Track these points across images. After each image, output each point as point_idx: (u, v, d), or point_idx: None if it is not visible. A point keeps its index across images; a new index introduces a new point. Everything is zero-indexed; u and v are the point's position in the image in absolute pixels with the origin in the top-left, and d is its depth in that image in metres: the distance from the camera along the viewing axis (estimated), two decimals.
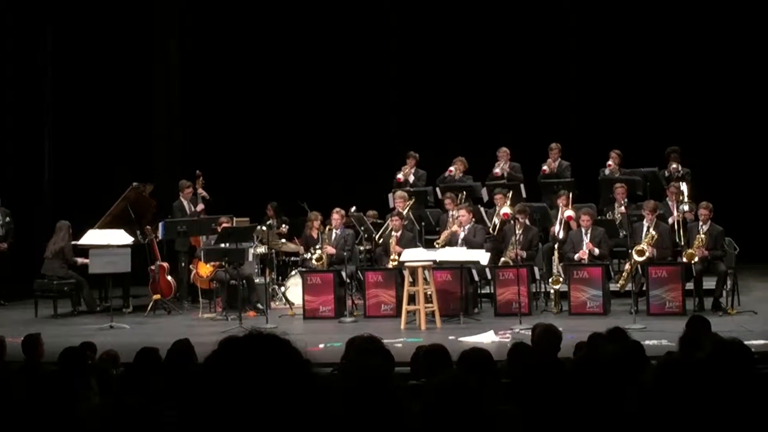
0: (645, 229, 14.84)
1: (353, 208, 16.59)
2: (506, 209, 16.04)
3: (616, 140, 17.77)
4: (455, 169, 17.53)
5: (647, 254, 14.46)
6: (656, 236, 14.64)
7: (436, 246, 15.43)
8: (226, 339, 2.47)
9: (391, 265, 15.34)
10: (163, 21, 20.63)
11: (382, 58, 20.67)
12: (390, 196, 17.15)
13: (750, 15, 19.43)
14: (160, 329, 14.46)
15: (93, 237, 16.56)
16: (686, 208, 15.98)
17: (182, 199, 17.37)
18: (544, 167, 17.54)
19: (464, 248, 15.09)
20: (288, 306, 15.94)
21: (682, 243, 15.11)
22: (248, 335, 2.49)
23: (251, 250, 16.32)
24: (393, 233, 15.71)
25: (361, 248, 16.43)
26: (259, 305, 15.61)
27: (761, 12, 19.31)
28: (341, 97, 20.75)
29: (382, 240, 16.11)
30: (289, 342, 2.48)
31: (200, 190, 17.48)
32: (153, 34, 20.49)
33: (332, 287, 15.15)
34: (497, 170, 17.61)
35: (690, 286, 14.45)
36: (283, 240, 17.44)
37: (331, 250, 15.75)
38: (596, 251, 14.94)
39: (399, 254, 15.07)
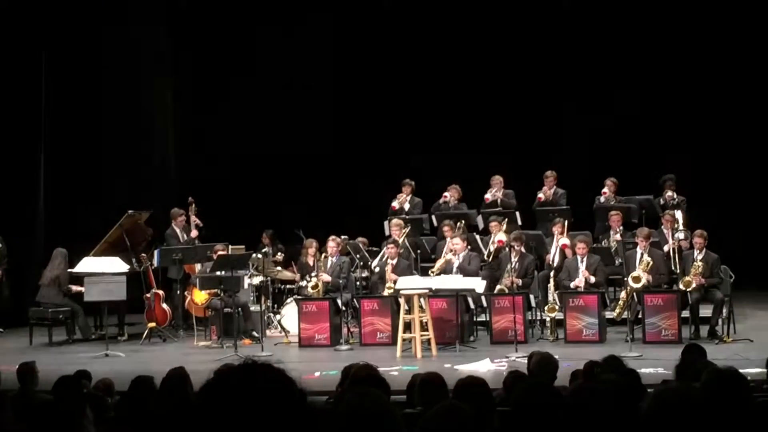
0: (639, 255, 14.85)
1: (343, 237, 16.59)
2: (501, 236, 16.05)
3: (612, 168, 17.80)
4: (450, 196, 17.54)
5: (643, 281, 14.48)
6: (651, 262, 14.66)
7: (431, 274, 15.42)
8: (222, 368, 2.46)
9: (386, 292, 15.33)
10: (156, 45, 20.69)
11: (378, 84, 20.70)
12: (386, 223, 17.17)
13: (745, 45, 19.51)
14: (155, 357, 14.44)
15: (88, 264, 16.56)
16: (681, 236, 16.01)
17: (174, 227, 17.35)
18: (540, 195, 17.57)
19: (460, 276, 15.10)
20: (283, 334, 15.91)
21: (678, 270, 15.13)
22: (243, 364, 2.49)
23: (246, 278, 16.32)
24: (389, 261, 15.71)
25: (357, 275, 16.39)
26: (255, 333, 15.60)
27: (756, 41, 19.40)
28: (335, 123, 20.79)
29: (378, 268, 16.10)
30: (284, 371, 2.47)
31: (193, 218, 17.47)
32: (144, 60, 20.54)
33: (328, 315, 15.12)
34: (488, 196, 17.60)
35: (686, 313, 14.46)
36: (279, 268, 17.43)
37: (326, 277, 15.75)
38: (592, 279, 14.94)
39: (395, 282, 15.07)
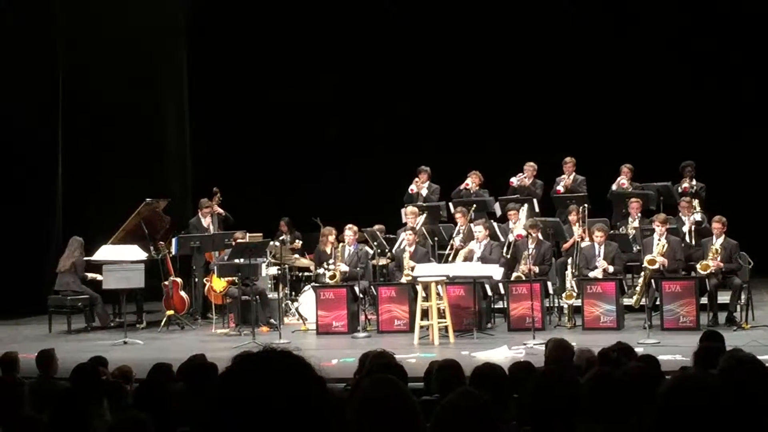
0: (656, 241, 14.81)
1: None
2: (520, 230, 15.95)
3: (630, 154, 17.75)
4: (471, 182, 17.47)
5: (658, 264, 14.46)
6: (666, 245, 14.62)
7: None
8: (240, 355, 2.47)
9: (404, 280, 15.33)
10: (171, 33, 20.68)
11: (394, 72, 20.68)
12: (402, 211, 17.14)
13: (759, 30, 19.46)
14: (173, 345, 14.49)
15: (107, 252, 16.61)
16: (698, 217, 16.01)
17: (200, 217, 17.36)
18: (559, 188, 17.44)
19: (477, 263, 15.08)
20: (301, 321, 15.93)
21: (693, 244, 15.20)
22: (263, 351, 2.49)
23: (264, 266, 16.35)
24: (407, 248, 15.70)
25: (374, 262, 16.37)
26: (272, 320, 15.62)
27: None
28: (353, 110, 20.78)
29: (395, 255, 16.09)
30: (303, 358, 2.47)
31: (216, 208, 17.45)
32: (162, 47, 20.55)
33: (345, 302, 15.14)
34: (514, 180, 17.48)
35: (704, 300, 14.42)
36: (296, 255, 17.45)
37: (344, 267, 15.71)
38: (611, 269, 14.90)
39: (412, 269, 15.06)
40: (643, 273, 14.69)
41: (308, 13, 21.00)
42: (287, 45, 21.03)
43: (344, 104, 20.79)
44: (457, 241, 15.96)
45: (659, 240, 14.76)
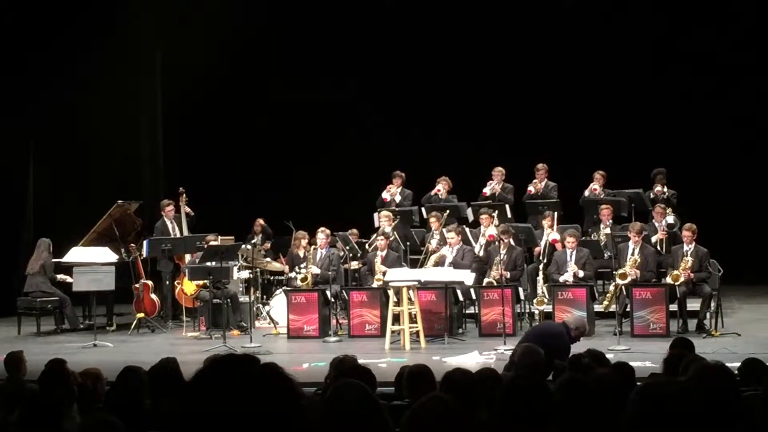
0: (630, 250, 14.86)
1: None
2: (492, 230, 16.03)
3: (602, 161, 17.81)
4: (441, 188, 17.52)
5: (629, 279, 14.49)
6: (638, 260, 14.67)
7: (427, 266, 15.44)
8: (210, 361, 2.45)
9: (375, 284, 15.33)
10: (146, 33, 20.53)
11: (365, 77, 20.66)
12: (375, 215, 17.15)
13: (731, 40, 19.58)
14: (144, 348, 14.44)
15: (77, 254, 16.55)
16: (671, 220, 16.08)
17: (165, 218, 17.29)
18: (530, 188, 17.57)
19: (449, 268, 15.10)
20: (272, 325, 15.90)
21: (663, 253, 15.22)
22: (232, 357, 2.47)
23: (236, 269, 16.31)
24: (378, 253, 15.71)
25: (346, 267, 16.37)
26: (243, 324, 15.59)
27: (743, 36, 19.50)
28: (326, 115, 20.74)
29: (367, 259, 16.10)
30: (276, 366, 2.46)
31: (185, 208, 17.40)
32: (138, 47, 20.40)
33: (317, 306, 15.12)
34: (486, 190, 17.58)
35: (674, 307, 14.49)
36: (268, 259, 17.42)
37: (315, 270, 15.72)
38: (581, 274, 14.96)
39: (384, 274, 15.06)
40: (614, 284, 14.73)
41: (279, 15, 20.91)
42: (263, 43, 20.95)
43: (317, 108, 20.71)
44: (433, 244, 16.00)
45: (633, 252, 14.80)
